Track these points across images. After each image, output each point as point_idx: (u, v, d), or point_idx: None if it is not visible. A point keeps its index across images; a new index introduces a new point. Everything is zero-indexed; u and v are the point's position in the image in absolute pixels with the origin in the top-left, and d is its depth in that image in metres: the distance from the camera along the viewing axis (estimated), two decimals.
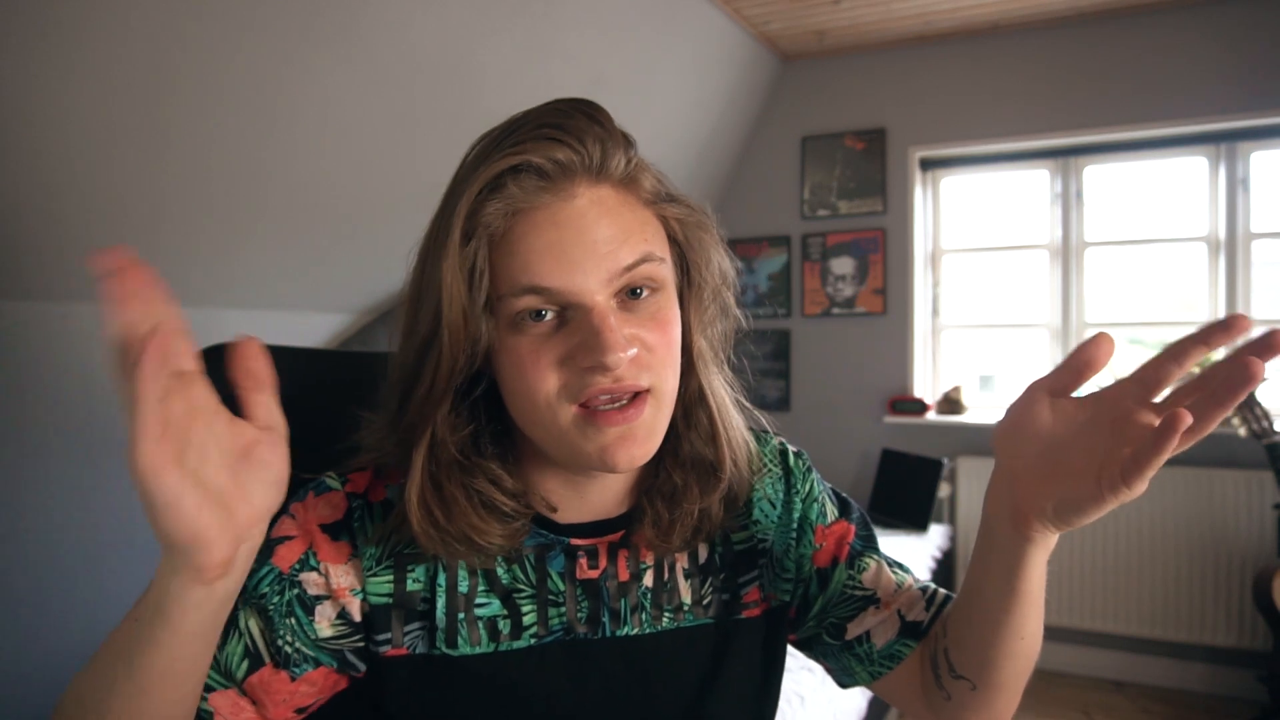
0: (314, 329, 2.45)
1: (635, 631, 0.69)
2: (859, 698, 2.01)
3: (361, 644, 0.65)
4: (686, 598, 0.71)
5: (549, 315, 0.58)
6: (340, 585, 0.64)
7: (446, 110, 2.34)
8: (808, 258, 3.77)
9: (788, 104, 3.81)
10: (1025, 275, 3.58)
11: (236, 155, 1.91)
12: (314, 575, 0.64)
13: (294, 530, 0.64)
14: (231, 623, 0.62)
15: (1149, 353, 0.54)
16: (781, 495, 0.76)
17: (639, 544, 0.70)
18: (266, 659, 0.62)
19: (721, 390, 0.70)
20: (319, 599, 0.63)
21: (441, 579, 0.65)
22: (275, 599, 0.62)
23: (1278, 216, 3.17)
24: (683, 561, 0.72)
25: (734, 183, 3.92)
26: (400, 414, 0.63)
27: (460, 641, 0.65)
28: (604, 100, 0.61)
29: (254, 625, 0.62)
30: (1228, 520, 3.02)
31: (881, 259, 3.63)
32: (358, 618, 0.64)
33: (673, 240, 0.65)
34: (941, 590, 0.76)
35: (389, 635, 0.64)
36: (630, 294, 0.60)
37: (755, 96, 3.73)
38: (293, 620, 0.63)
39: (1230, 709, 2.95)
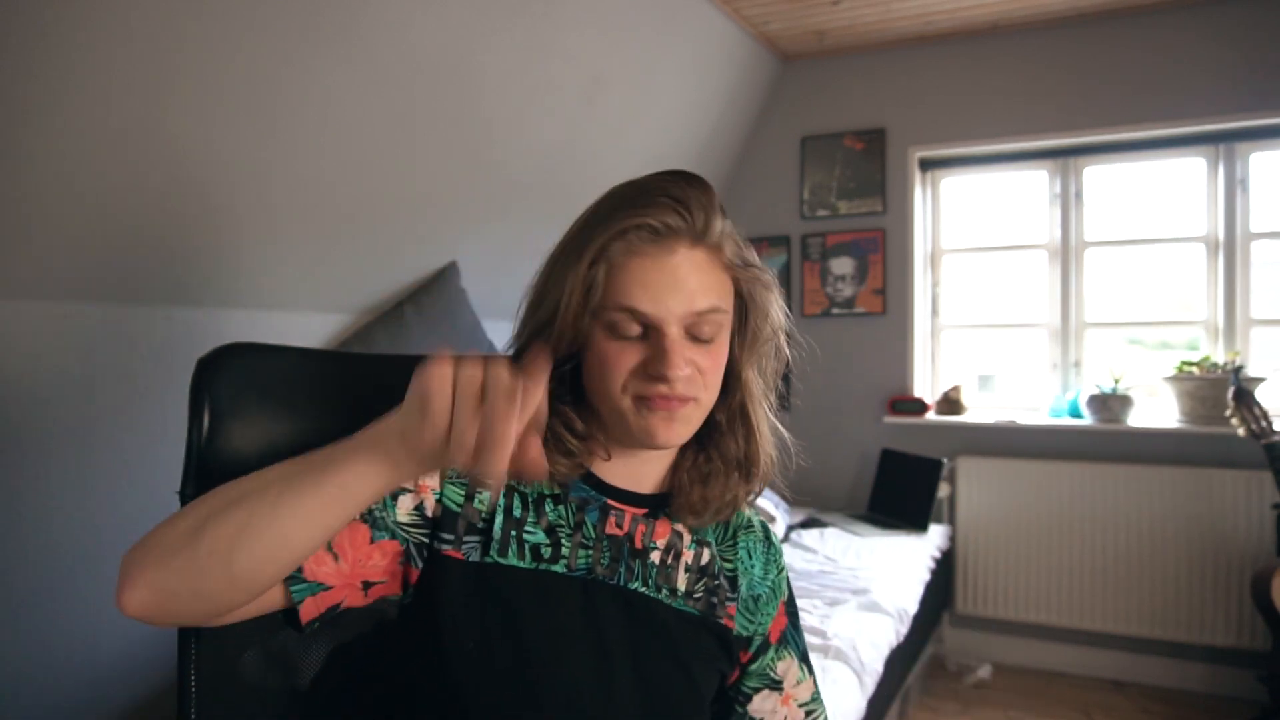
0: (314, 329, 2.44)
1: (642, 590, 0.84)
2: (858, 698, 2.01)
3: (427, 539, 0.77)
4: (681, 586, 0.86)
5: (636, 331, 0.77)
6: (424, 483, 0.77)
7: (446, 110, 2.34)
8: (807, 258, 3.77)
9: (787, 104, 3.81)
10: (1025, 275, 3.58)
11: (236, 155, 1.91)
12: None
13: None
14: None
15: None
16: (761, 557, 0.94)
17: (658, 522, 0.86)
18: (356, 514, 0.72)
19: (761, 412, 0.89)
20: (403, 490, 0.76)
21: (501, 502, 0.80)
22: None
23: (1277, 217, 3.17)
24: (688, 557, 0.87)
25: (734, 183, 3.93)
26: None
27: (510, 554, 0.79)
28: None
29: None
30: (1227, 520, 3.02)
31: (881, 259, 3.64)
32: (430, 514, 0.78)
33: (738, 293, 0.83)
34: (825, 716, 0.96)
35: (452, 538, 0.78)
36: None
37: (755, 96, 3.73)
38: (381, 499, 0.75)
39: (1230, 709, 2.96)
